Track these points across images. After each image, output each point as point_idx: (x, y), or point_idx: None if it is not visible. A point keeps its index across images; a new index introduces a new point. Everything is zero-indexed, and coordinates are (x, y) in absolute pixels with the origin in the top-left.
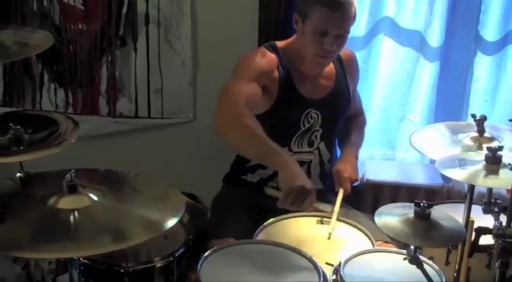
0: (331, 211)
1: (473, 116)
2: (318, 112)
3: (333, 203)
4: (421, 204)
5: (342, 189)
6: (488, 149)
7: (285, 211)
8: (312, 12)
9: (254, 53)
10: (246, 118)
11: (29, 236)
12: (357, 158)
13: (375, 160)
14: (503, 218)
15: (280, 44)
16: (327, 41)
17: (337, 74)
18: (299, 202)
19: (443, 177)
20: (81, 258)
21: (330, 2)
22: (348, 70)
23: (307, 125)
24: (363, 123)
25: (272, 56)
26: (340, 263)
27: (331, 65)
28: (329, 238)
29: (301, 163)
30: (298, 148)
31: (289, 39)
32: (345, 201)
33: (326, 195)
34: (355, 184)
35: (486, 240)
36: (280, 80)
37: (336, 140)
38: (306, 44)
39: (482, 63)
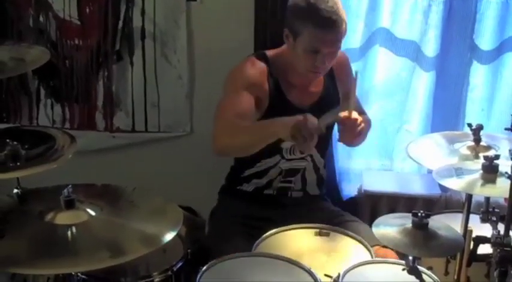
0: (337, 111)
1: (470, 125)
2: None
3: (329, 207)
4: (419, 214)
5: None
6: (485, 158)
7: (283, 221)
8: (303, 31)
9: (243, 63)
10: (238, 124)
11: (27, 252)
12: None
13: (372, 171)
14: (501, 227)
15: (270, 53)
16: (319, 58)
17: (325, 79)
18: (307, 133)
19: (441, 187)
20: (79, 274)
21: (322, 22)
22: (338, 74)
23: None
24: (368, 120)
25: (261, 66)
26: (339, 274)
27: None
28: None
29: (296, 170)
30: (291, 155)
31: (280, 49)
32: (344, 210)
33: (323, 201)
34: (353, 196)
35: (484, 249)
36: (270, 89)
37: (330, 145)
38: (297, 60)
39: (478, 73)
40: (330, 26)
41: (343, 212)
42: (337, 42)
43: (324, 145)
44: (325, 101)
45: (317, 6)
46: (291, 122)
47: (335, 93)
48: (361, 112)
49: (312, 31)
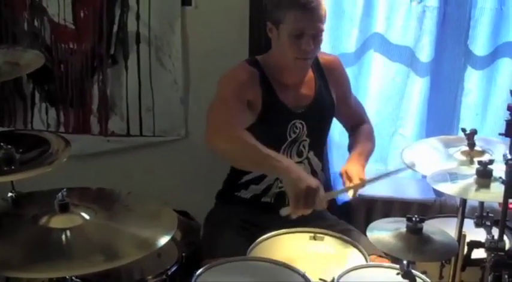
0: (343, 189)
1: (463, 130)
2: (302, 122)
3: (326, 216)
4: (413, 218)
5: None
6: (479, 162)
7: (278, 227)
8: (285, 17)
9: (234, 69)
10: (236, 129)
11: (21, 256)
12: (363, 165)
13: (367, 175)
14: (495, 232)
15: (260, 57)
16: (304, 41)
17: (316, 82)
18: (311, 202)
19: (436, 191)
20: (73, 278)
21: (302, 3)
22: (330, 77)
23: (293, 136)
24: (369, 131)
25: (252, 70)
26: (333, 278)
27: (311, 74)
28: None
29: None
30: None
31: (268, 53)
32: (338, 216)
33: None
34: (348, 200)
35: (479, 253)
36: (263, 92)
37: (325, 148)
38: (283, 50)
39: (473, 78)
40: (309, 6)
41: (340, 221)
42: (318, 23)
43: (320, 147)
44: (318, 104)
45: None
46: (302, 181)
47: (328, 96)
48: (362, 121)
49: (294, 14)
